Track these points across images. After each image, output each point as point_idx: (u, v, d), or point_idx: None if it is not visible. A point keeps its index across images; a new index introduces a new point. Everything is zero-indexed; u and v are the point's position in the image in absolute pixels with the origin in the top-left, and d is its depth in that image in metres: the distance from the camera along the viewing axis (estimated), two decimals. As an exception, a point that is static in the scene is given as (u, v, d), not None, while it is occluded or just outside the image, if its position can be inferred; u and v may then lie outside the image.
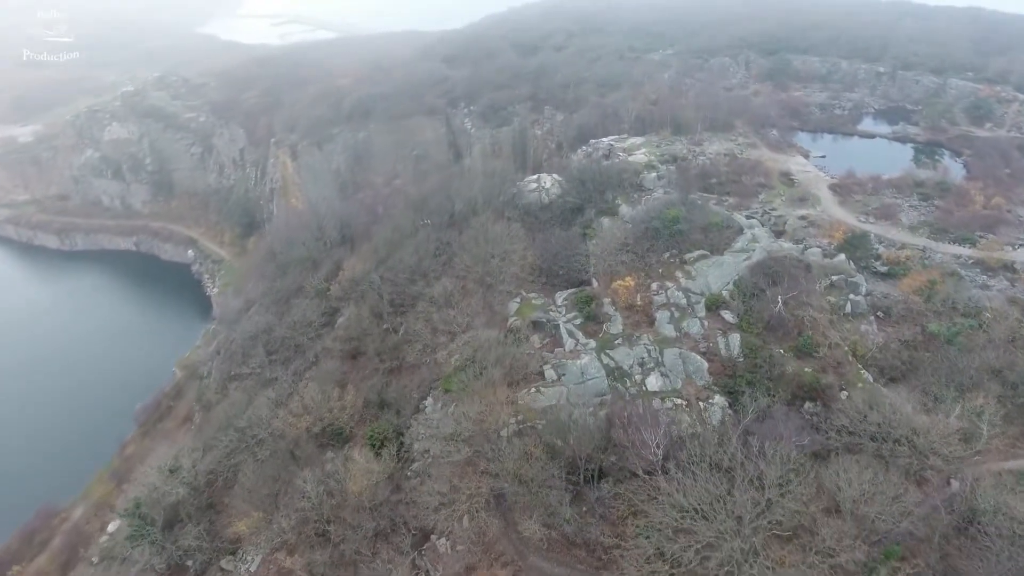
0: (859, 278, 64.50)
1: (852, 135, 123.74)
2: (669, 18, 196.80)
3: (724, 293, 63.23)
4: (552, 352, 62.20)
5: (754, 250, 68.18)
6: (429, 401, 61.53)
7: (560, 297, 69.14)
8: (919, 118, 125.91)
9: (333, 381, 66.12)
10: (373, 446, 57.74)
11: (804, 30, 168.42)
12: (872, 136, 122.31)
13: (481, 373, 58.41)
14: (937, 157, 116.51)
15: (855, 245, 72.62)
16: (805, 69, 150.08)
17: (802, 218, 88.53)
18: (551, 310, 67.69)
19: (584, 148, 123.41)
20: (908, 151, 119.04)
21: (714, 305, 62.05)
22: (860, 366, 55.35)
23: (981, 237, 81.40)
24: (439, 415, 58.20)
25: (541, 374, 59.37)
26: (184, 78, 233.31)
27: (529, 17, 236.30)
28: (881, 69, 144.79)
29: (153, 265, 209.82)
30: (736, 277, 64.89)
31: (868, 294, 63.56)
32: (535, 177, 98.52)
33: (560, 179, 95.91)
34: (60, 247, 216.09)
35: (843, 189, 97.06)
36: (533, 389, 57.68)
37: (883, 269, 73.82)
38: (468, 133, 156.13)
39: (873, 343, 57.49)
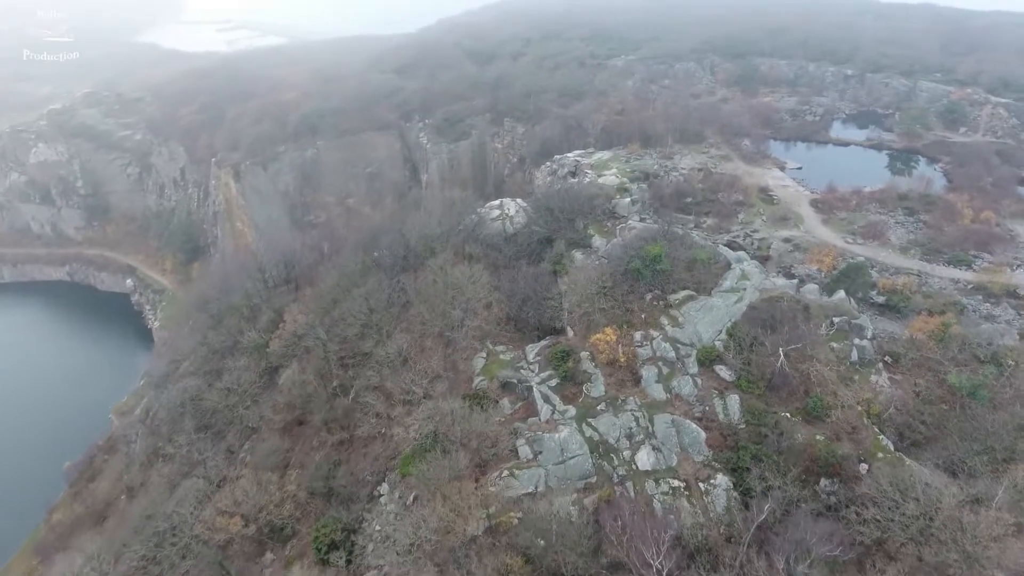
0: (863, 319, 57.89)
1: (826, 143, 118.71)
2: (629, 21, 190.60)
3: (717, 344, 55.86)
4: (526, 422, 53.92)
5: (745, 289, 61.03)
6: (385, 487, 52.57)
7: (532, 351, 60.84)
8: (892, 123, 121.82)
9: (271, 464, 56.54)
10: (319, 551, 48.57)
11: (769, 32, 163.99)
12: (847, 144, 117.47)
13: (444, 453, 49.84)
14: (913, 164, 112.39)
15: (851, 276, 66.31)
16: (772, 73, 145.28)
17: (786, 240, 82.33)
18: (522, 367, 59.37)
19: (548, 164, 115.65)
20: (883, 158, 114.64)
21: (707, 359, 54.59)
22: (877, 429, 48.52)
23: (976, 257, 76.36)
24: (395, 508, 49.38)
25: (514, 451, 51.06)
26: (117, 93, 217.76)
27: (484, 22, 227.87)
28: (849, 72, 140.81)
29: (89, 296, 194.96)
30: (729, 323, 57.60)
31: (874, 337, 56.99)
32: (497, 203, 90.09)
33: (525, 205, 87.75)
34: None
35: (825, 205, 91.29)
36: (506, 472, 49.28)
37: (880, 299, 67.82)
38: (424, 148, 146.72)
39: (888, 399, 50.76)
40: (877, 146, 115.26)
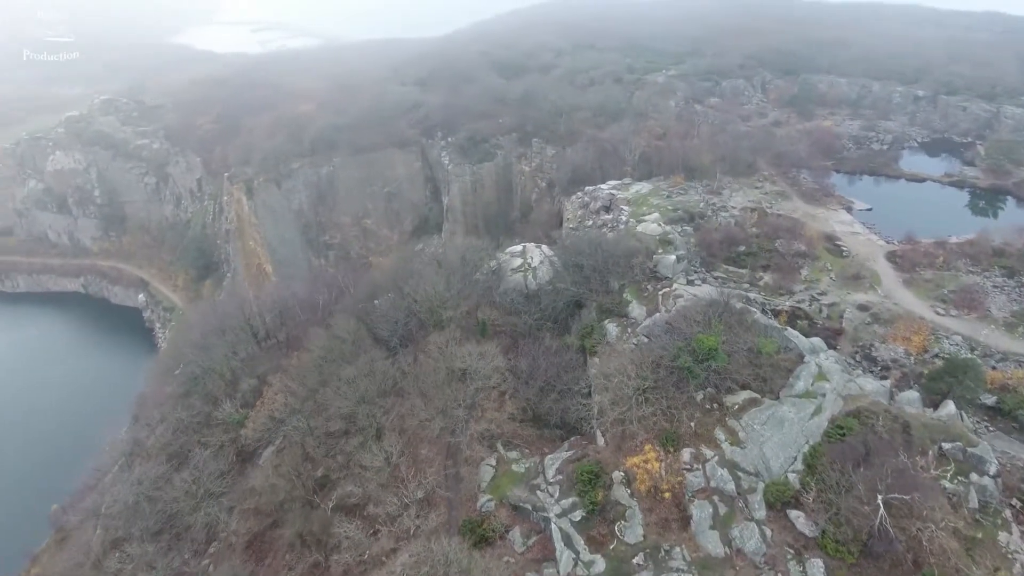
0: (983, 447, 44.57)
1: (898, 177, 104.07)
2: (668, 32, 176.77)
3: (791, 477, 43.36)
4: (541, 571, 42.34)
5: (824, 395, 48.19)
6: (359, 654, 41.58)
7: (552, 465, 49.07)
8: (974, 155, 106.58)
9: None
10: None
11: (821, 46, 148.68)
12: (922, 180, 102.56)
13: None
14: (999, 206, 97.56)
15: (956, 374, 52.60)
16: (831, 92, 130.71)
17: (862, 308, 69.04)
18: (539, 488, 47.71)
19: (580, 195, 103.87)
20: (964, 196, 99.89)
21: (778, 499, 42.22)
22: (1018, 628, 35.69)
23: (1101, 340, 62.19)
24: None
25: (525, 621, 39.54)
26: (136, 100, 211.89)
27: (511, 28, 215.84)
28: (920, 93, 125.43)
29: (103, 309, 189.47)
30: (806, 447, 45.00)
31: (998, 474, 43.74)
32: (520, 249, 78.59)
33: (551, 254, 75.96)
34: (1, 289, 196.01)
35: (905, 260, 77.46)
36: (512, 655, 37.81)
37: (989, 400, 54.39)
38: (445, 169, 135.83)
39: (1029, 577, 37.77)
40: (958, 183, 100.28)
